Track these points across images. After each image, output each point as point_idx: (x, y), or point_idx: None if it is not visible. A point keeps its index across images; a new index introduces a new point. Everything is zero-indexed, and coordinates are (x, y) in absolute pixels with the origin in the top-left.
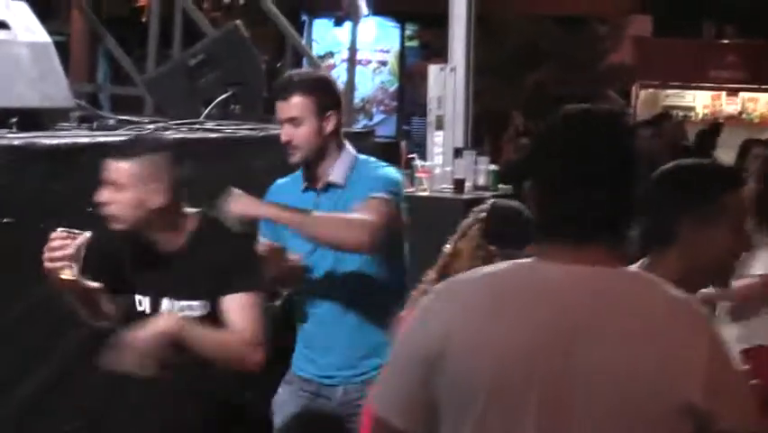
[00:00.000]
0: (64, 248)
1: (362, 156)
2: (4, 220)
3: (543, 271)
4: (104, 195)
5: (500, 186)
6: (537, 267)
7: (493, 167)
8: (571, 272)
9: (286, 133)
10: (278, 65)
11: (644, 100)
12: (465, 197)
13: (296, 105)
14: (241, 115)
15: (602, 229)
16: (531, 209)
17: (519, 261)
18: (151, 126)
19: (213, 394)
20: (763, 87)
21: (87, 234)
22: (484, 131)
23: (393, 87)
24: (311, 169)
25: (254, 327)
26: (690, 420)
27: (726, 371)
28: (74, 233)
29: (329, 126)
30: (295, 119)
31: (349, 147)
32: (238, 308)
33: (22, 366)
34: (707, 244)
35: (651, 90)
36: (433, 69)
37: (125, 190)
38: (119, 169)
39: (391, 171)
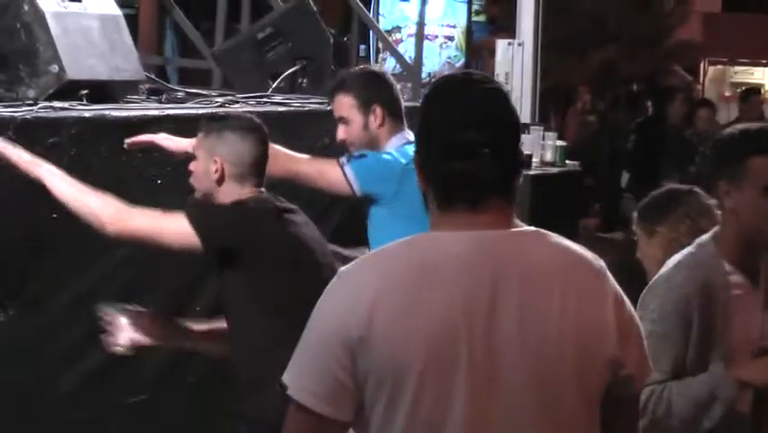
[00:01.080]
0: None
1: (412, 145)
2: None
3: (452, 242)
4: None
5: (567, 162)
6: (445, 238)
7: (560, 143)
8: (477, 240)
9: (339, 131)
10: (345, 39)
11: (711, 77)
12: (532, 172)
13: (340, 104)
14: (308, 89)
15: (494, 191)
16: (421, 177)
17: (423, 234)
18: (220, 99)
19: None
20: None
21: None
22: (551, 107)
23: (460, 63)
24: None
25: (156, 221)
26: (609, 370)
27: (629, 319)
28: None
29: (376, 120)
30: (342, 118)
31: (403, 133)
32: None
33: (87, 339)
34: (741, 206)
35: (719, 67)
36: (500, 45)
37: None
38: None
39: (395, 158)
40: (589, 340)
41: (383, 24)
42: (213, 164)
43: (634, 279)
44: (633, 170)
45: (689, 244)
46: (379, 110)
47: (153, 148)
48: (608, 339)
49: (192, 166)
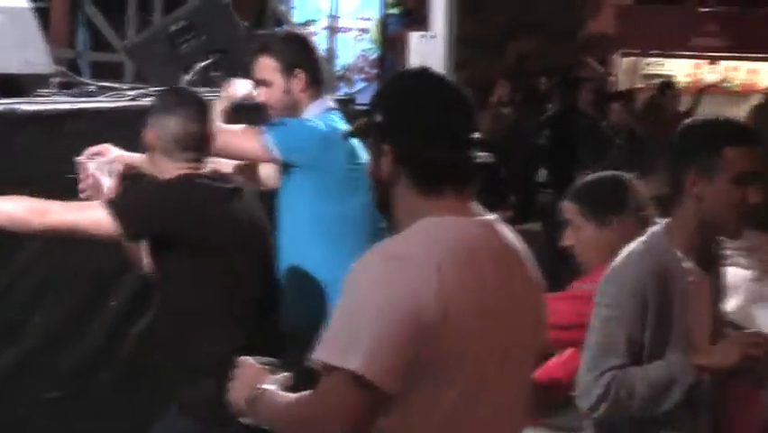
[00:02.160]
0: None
1: (334, 114)
2: None
3: (471, 228)
4: None
5: (480, 153)
6: (463, 223)
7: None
8: (484, 226)
9: (260, 94)
10: (259, 32)
11: (624, 69)
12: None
13: (262, 66)
14: (222, 82)
15: (473, 177)
16: (395, 163)
17: (439, 218)
18: (132, 93)
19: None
20: (745, 55)
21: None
22: None
23: (374, 55)
24: None
25: (69, 212)
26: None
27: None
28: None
29: (299, 84)
30: (264, 81)
31: (324, 100)
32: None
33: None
34: (708, 195)
35: (632, 59)
36: (414, 37)
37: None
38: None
39: (316, 126)
40: (539, 323)
41: (297, 17)
42: (147, 135)
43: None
44: (548, 163)
45: (639, 234)
46: (302, 74)
47: (63, 143)
48: (541, 321)
49: None
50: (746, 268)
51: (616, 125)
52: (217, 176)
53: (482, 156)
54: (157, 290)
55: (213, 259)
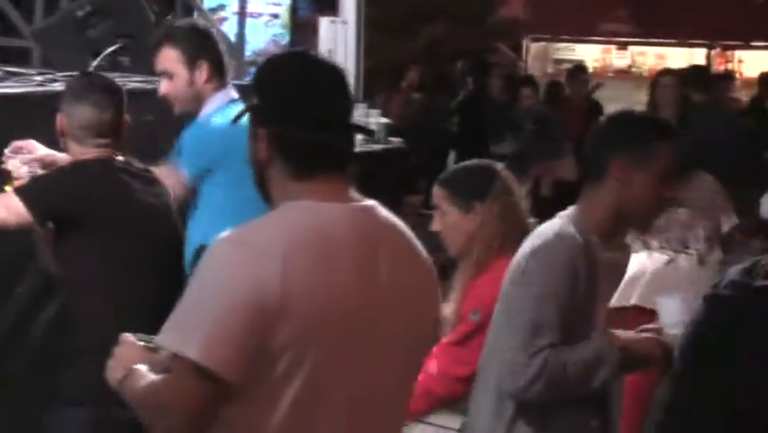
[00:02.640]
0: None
1: (238, 103)
2: None
3: (337, 213)
4: None
5: (391, 139)
6: (328, 208)
7: (384, 120)
8: (352, 211)
9: (162, 86)
10: (169, 17)
11: (534, 54)
12: (357, 149)
13: (164, 57)
14: (130, 68)
15: (346, 161)
16: (268, 147)
17: (302, 202)
18: (39, 78)
19: None
20: (652, 40)
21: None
22: (377, 85)
23: (285, 41)
24: (195, 118)
25: None
26: (433, 328)
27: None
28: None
29: (202, 75)
30: (167, 72)
31: (227, 90)
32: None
33: None
34: (633, 186)
35: (542, 44)
36: (324, 22)
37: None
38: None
39: (212, 127)
40: (425, 310)
41: (207, 2)
42: (58, 121)
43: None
44: (458, 148)
45: (504, 220)
46: (205, 65)
47: None
48: (433, 308)
49: None
50: (658, 249)
51: (526, 110)
52: (127, 163)
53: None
54: (59, 275)
55: (112, 242)
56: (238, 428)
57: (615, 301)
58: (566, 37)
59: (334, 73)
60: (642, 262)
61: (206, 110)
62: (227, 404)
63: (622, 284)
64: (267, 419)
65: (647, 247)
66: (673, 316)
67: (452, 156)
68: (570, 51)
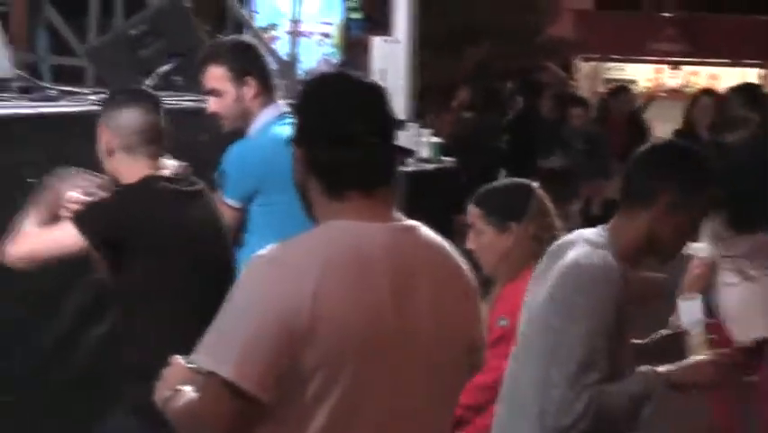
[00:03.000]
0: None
1: (288, 118)
2: None
3: (373, 233)
4: None
5: (443, 158)
6: (365, 228)
7: (436, 139)
8: (390, 231)
9: (210, 104)
10: (220, 36)
11: (585, 73)
12: (409, 169)
13: (212, 75)
14: (183, 87)
15: (383, 180)
16: (304, 167)
17: (341, 222)
18: (93, 97)
19: None
20: (705, 60)
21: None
22: (428, 104)
23: (336, 60)
24: (244, 135)
25: (41, 239)
26: (468, 356)
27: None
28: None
29: (250, 91)
30: (214, 90)
31: (276, 105)
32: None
33: None
34: (674, 223)
35: (592, 63)
36: (376, 42)
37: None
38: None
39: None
40: (467, 331)
41: (258, 22)
42: (102, 140)
43: None
44: (508, 166)
45: (538, 241)
46: (252, 81)
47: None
48: (474, 329)
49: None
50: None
51: (576, 130)
52: (179, 177)
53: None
54: (111, 294)
55: (165, 262)
56: None
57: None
58: (617, 57)
59: (370, 91)
60: (752, 290)
61: (255, 126)
62: (260, 423)
63: (745, 317)
64: None
65: (746, 277)
66: (693, 315)
67: (502, 174)
68: (621, 71)
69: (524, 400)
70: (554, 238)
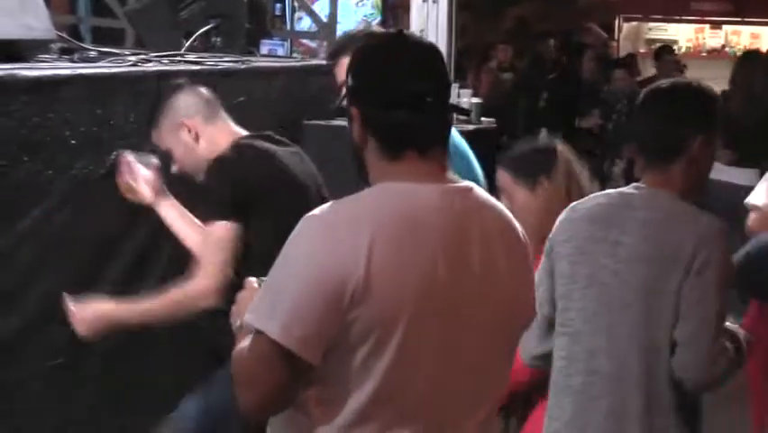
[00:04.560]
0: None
1: None
2: None
3: (426, 194)
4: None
5: (483, 119)
6: (418, 189)
7: (476, 99)
8: (443, 192)
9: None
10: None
11: (626, 34)
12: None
13: (344, 68)
14: (223, 48)
15: (438, 140)
16: (361, 128)
17: (393, 184)
18: (133, 58)
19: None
20: (747, 19)
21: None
22: (467, 65)
23: (376, 21)
24: None
25: (206, 260)
26: (527, 316)
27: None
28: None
29: None
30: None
31: None
32: (203, 238)
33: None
34: (706, 161)
35: (633, 23)
36: (415, 2)
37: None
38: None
39: None
40: (519, 292)
41: None
42: (183, 131)
43: None
44: (547, 125)
45: (571, 193)
46: None
47: (65, 109)
48: (528, 290)
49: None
50: None
51: (619, 92)
52: (274, 137)
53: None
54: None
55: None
56: (324, 408)
57: None
58: (658, 16)
59: (426, 52)
60: None
61: None
62: (313, 385)
63: None
64: (354, 399)
65: None
66: None
67: (542, 134)
68: (662, 31)
69: (616, 370)
70: (585, 191)
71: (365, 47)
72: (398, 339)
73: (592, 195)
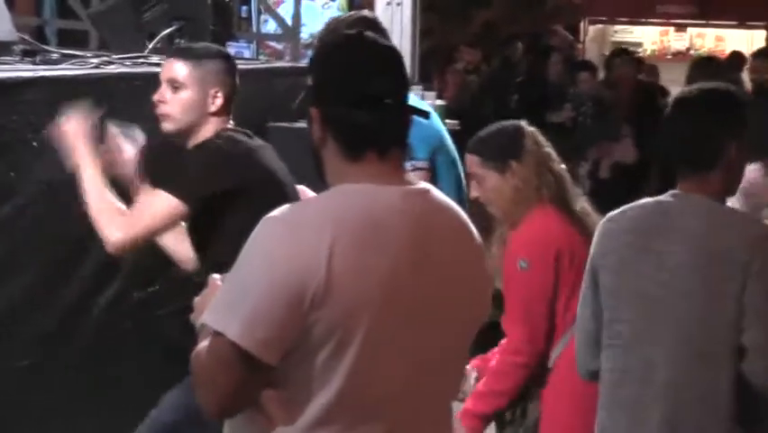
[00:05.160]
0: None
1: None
2: None
3: (388, 195)
4: (161, 94)
5: (447, 120)
6: (379, 191)
7: (440, 102)
8: (404, 194)
9: None
10: (228, 0)
11: (592, 36)
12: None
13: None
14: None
15: (396, 142)
16: (321, 128)
17: (353, 185)
18: (95, 60)
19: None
20: (711, 22)
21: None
22: (433, 67)
23: None
24: None
25: (141, 217)
26: (486, 311)
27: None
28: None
29: None
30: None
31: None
32: (146, 198)
33: None
34: (741, 166)
35: (599, 26)
36: (379, 4)
37: (184, 90)
38: (180, 68)
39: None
40: (476, 292)
41: None
42: (209, 96)
43: None
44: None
45: (541, 173)
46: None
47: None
48: (484, 290)
49: (170, 96)
50: None
51: (584, 94)
52: (250, 134)
53: (449, 123)
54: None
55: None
56: (286, 409)
57: None
58: (624, 19)
59: (386, 53)
60: None
61: None
62: (272, 387)
63: None
64: (317, 400)
65: None
66: None
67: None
68: (628, 34)
69: (672, 378)
70: (555, 168)
71: (325, 46)
72: (360, 340)
73: (626, 206)
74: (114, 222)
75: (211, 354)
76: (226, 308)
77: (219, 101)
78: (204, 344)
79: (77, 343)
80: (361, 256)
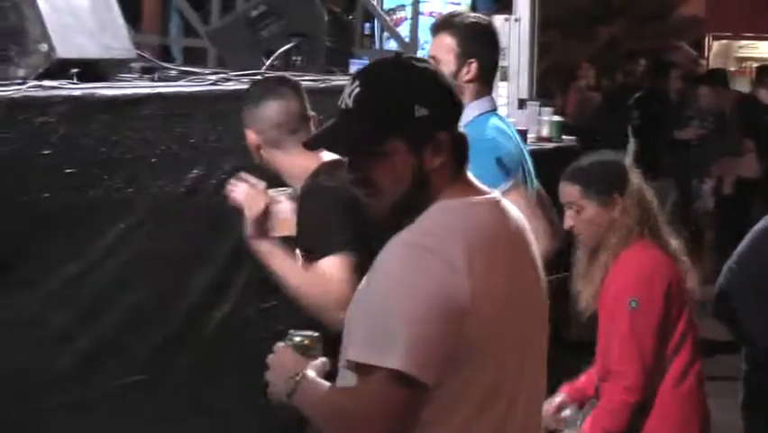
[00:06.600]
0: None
1: (495, 118)
2: (66, 170)
3: (492, 210)
4: None
5: (564, 137)
6: (486, 206)
7: (557, 118)
8: (502, 209)
9: None
10: (350, 17)
11: (716, 52)
12: (529, 147)
13: (439, 43)
14: (303, 67)
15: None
16: (435, 147)
17: (467, 200)
18: (213, 77)
19: None
20: None
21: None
22: (555, 84)
23: None
24: None
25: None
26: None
27: None
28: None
29: (468, 74)
30: (435, 58)
31: (487, 98)
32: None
33: (79, 323)
34: None
35: (723, 42)
36: (497, 20)
37: None
38: None
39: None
40: (543, 294)
41: (387, 3)
42: (248, 139)
43: None
44: (641, 138)
45: (643, 209)
46: (474, 65)
47: (144, 127)
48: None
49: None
50: None
51: (705, 110)
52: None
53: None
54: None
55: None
56: (433, 428)
57: None
58: (749, 34)
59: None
60: None
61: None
62: (424, 406)
63: None
64: (458, 414)
65: None
66: None
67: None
68: (753, 49)
69: None
70: (653, 209)
71: (422, 74)
72: (496, 354)
73: None
74: (325, 300)
75: (369, 392)
76: (378, 342)
77: (257, 144)
78: (326, 394)
79: (187, 359)
80: (492, 268)
